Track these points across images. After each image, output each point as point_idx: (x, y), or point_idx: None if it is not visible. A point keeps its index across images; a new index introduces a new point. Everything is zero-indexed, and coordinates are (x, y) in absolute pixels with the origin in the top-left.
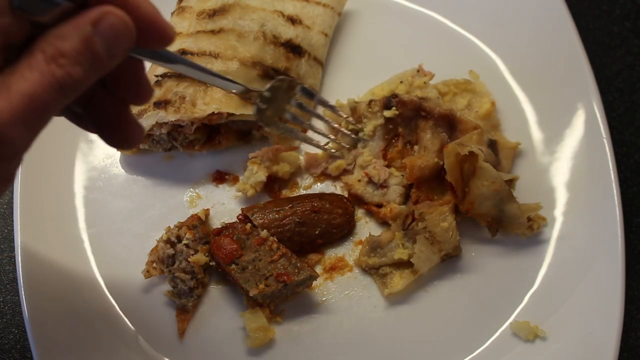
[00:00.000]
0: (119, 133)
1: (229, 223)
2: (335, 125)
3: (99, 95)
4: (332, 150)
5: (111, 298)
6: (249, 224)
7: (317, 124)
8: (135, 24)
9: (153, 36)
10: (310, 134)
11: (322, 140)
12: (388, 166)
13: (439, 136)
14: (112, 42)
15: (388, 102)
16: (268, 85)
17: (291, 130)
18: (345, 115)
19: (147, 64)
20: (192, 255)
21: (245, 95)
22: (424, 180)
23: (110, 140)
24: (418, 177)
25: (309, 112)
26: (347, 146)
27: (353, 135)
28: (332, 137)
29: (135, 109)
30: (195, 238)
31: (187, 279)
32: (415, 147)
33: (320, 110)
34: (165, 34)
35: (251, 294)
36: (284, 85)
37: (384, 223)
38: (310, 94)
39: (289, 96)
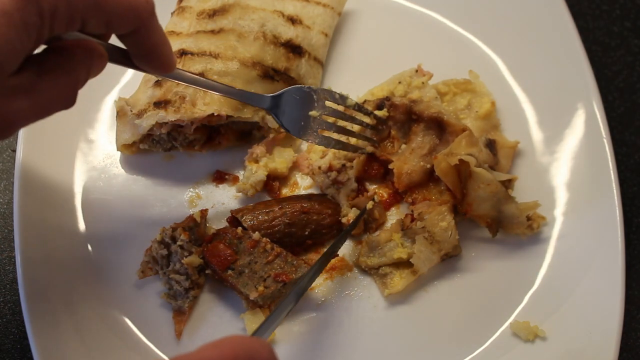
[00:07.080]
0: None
1: (220, 229)
2: (363, 123)
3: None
4: (365, 150)
5: (111, 298)
6: (240, 228)
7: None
8: (140, 51)
9: (153, 65)
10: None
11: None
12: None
13: (429, 139)
14: None
15: (381, 104)
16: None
17: (327, 138)
18: (368, 110)
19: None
20: (186, 257)
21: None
22: (414, 186)
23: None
24: (407, 184)
25: (339, 117)
26: (376, 140)
27: (380, 127)
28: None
29: (135, 109)
30: (191, 239)
31: (182, 280)
32: (403, 146)
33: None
34: (162, 67)
35: (252, 297)
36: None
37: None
38: (332, 95)
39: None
